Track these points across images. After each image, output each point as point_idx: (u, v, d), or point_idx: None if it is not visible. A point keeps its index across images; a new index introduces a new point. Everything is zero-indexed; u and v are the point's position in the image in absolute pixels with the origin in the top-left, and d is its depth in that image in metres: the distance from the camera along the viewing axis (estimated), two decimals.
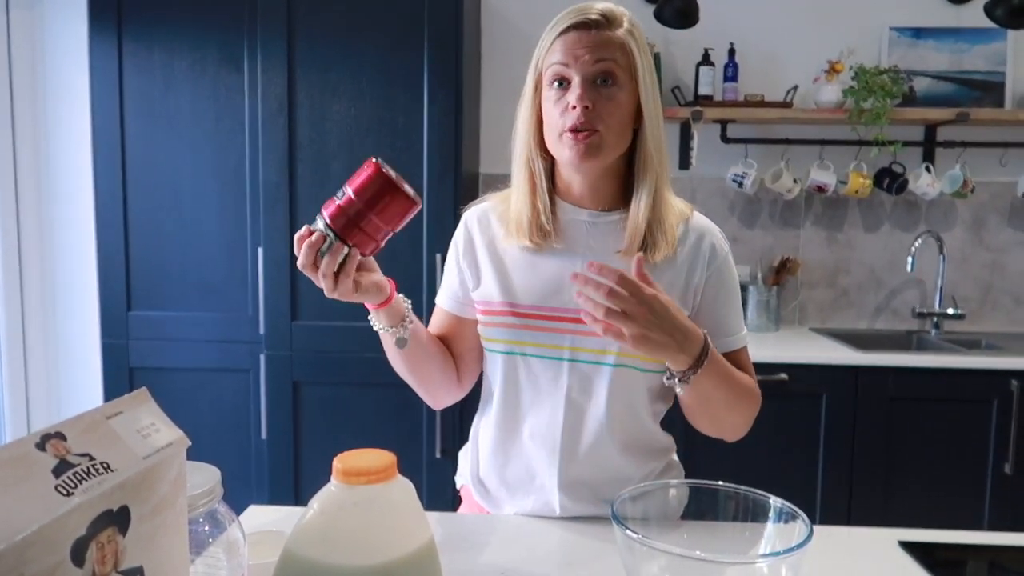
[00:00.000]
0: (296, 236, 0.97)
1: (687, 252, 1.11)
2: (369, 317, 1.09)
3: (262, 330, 2.40)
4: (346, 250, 0.95)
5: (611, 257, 1.11)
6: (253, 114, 2.35)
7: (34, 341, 2.71)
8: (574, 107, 1.03)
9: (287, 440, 2.43)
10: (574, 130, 1.03)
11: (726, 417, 1.10)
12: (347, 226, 0.94)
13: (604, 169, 1.10)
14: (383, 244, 0.99)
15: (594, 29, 1.04)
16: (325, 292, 0.99)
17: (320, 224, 0.96)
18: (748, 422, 1.13)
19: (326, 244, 0.95)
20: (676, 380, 1.00)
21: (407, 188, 0.95)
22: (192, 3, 2.33)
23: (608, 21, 1.05)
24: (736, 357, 1.13)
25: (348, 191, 0.94)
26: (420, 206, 0.97)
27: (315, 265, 0.96)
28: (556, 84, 1.06)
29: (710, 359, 0.99)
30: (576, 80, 1.03)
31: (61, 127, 2.68)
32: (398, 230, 0.98)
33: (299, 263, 0.97)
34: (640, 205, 1.08)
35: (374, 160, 0.94)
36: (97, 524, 0.44)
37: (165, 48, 2.35)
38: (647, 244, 1.08)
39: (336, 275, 0.97)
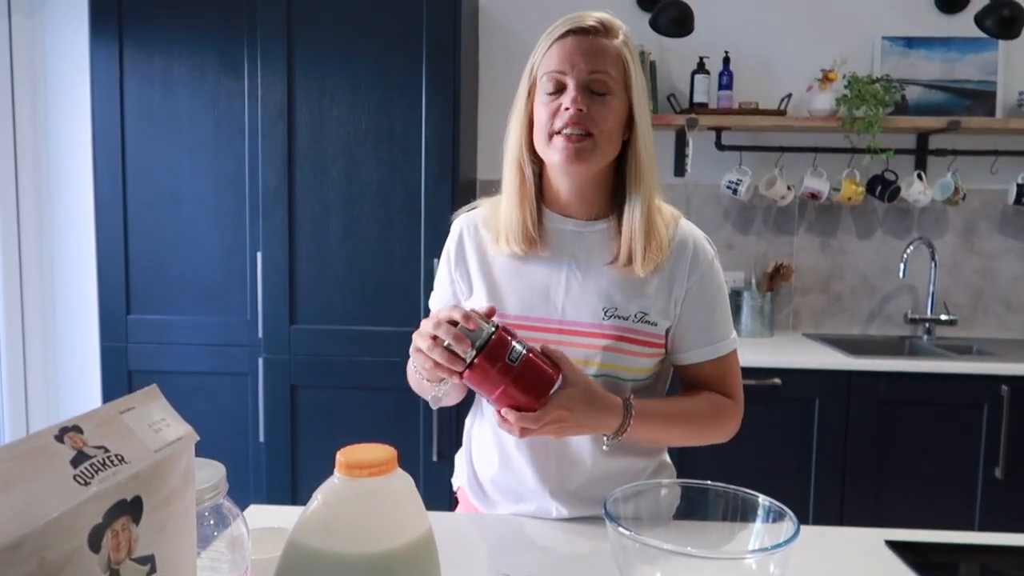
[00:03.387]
0: (461, 313, 0.96)
1: (671, 262, 1.12)
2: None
3: (260, 334, 2.41)
4: (462, 365, 0.95)
5: (599, 268, 1.12)
6: (253, 120, 2.37)
7: (33, 344, 2.72)
8: (567, 108, 1.03)
9: (285, 443, 2.44)
10: (566, 132, 1.04)
11: (682, 444, 1.17)
12: (490, 374, 0.95)
13: (591, 177, 1.10)
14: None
15: (591, 36, 1.05)
16: (421, 363, 0.98)
17: (486, 330, 0.95)
18: (720, 437, 1.15)
19: (468, 351, 0.94)
20: (607, 440, 1.06)
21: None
22: (192, 10, 2.36)
23: (605, 29, 1.06)
24: (720, 364, 1.14)
25: (523, 357, 0.96)
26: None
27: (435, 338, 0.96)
28: (551, 89, 1.06)
29: (636, 417, 1.04)
30: (571, 84, 1.04)
31: (62, 133, 2.70)
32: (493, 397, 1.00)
33: (430, 326, 0.96)
34: (634, 216, 1.09)
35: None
36: (112, 513, 0.46)
37: (165, 54, 2.37)
38: (636, 254, 1.09)
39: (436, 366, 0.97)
